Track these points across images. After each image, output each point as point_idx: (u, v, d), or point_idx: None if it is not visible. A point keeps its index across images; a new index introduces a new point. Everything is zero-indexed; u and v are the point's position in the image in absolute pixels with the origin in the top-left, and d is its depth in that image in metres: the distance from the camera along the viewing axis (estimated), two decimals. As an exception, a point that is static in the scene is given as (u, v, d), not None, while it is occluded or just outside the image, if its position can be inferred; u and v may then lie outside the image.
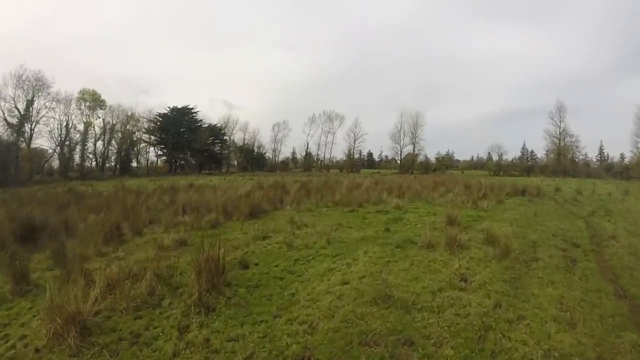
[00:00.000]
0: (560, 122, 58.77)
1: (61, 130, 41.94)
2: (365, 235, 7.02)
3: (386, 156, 74.55)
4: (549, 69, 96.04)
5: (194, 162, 57.96)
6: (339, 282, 4.42)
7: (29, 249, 6.43)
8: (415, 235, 6.86)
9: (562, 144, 59.57)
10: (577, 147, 58.83)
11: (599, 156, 63.17)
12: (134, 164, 52.29)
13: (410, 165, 62.99)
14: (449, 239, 5.90)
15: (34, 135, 38.99)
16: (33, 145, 38.79)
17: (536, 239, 7.26)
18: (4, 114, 36.05)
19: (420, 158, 65.97)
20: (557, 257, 5.86)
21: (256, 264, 5.23)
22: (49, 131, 40.79)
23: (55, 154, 41.42)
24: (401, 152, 66.54)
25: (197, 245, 6.95)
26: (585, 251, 6.38)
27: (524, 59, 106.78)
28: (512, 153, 67.45)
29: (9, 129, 35.94)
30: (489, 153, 67.04)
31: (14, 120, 36.59)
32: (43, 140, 40.77)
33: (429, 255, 5.49)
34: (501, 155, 64.40)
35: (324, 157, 65.11)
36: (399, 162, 67.46)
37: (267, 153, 64.46)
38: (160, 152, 56.54)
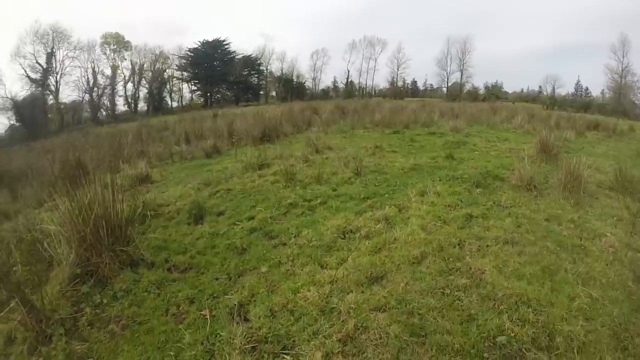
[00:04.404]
0: (623, 57, 50.68)
1: (87, 78, 39.66)
2: (417, 163, 4.68)
3: (431, 85, 68.20)
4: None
5: (230, 95, 57.09)
6: (365, 267, 2.18)
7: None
8: (495, 167, 4.50)
9: (623, 81, 52.27)
10: (638, 88, 50.98)
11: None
12: (168, 102, 52.06)
13: (458, 94, 57.20)
14: (567, 175, 3.48)
15: (61, 87, 37.35)
16: (61, 98, 37.41)
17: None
18: (25, 71, 34.31)
19: (468, 87, 59.55)
20: None
21: (219, 214, 3.18)
22: (75, 80, 38.85)
23: (84, 101, 40.28)
24: (447, 79, 59.99)
25: (164, 180, 4.97)
26: None
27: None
28: (564, 89, 59.38)
29: (32, 85, 34.48)
30: (540, 87, 59.24)
31: (37, 76, 34.85)
32: (70, 91, 39.70)
33: (538, 206, 3.15)
34: (555, 88, 56.73)
35: (366, 84, 61.12)
36: (445, 90, 61.60)
37: (306, 82, 61.98)
38: (194, 88, 56.01)
